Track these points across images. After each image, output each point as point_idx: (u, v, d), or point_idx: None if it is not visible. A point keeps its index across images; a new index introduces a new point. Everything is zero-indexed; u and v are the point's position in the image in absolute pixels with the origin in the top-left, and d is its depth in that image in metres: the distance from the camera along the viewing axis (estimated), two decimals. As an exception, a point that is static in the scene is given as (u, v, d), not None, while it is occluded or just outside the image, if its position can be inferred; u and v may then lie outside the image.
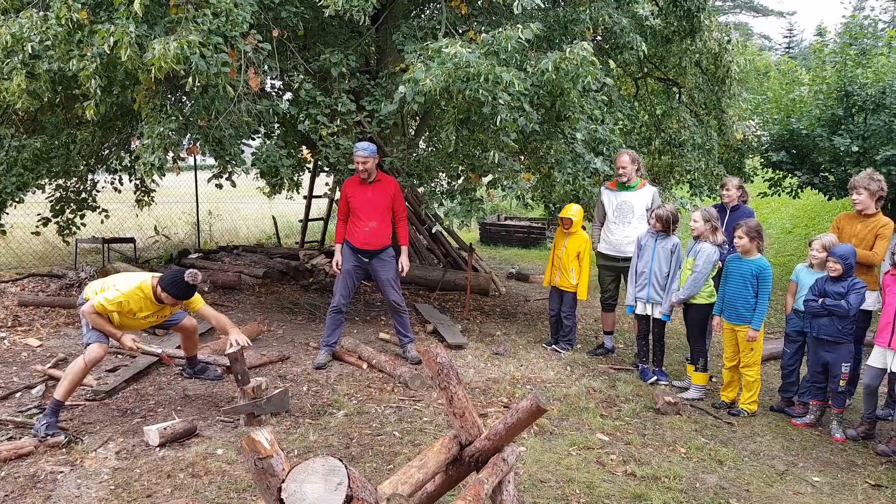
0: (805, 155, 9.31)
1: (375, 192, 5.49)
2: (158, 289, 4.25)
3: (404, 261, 5.61)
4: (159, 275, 4.34)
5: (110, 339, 4.29)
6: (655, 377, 5.52)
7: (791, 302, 5.03)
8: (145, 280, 4.30)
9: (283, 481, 1.80)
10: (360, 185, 5.52)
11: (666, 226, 5.37)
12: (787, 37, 50.59)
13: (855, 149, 8.20)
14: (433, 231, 7.62)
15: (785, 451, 4.35)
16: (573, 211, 6.08)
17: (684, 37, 8.09)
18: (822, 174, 9.18)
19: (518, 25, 5.49)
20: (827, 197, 9.37)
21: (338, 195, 10.35)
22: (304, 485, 1.79)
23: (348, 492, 1.76)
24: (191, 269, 4.26)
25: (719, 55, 8.44)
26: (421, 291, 8.61)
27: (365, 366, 5.54)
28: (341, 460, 1.83)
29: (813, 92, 9.35)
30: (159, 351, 4.79)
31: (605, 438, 4.32)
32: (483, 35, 5.60)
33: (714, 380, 5.57)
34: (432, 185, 7.18)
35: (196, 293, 4.43)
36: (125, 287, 4.22)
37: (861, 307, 4.62)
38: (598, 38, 7.85)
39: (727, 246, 5.20)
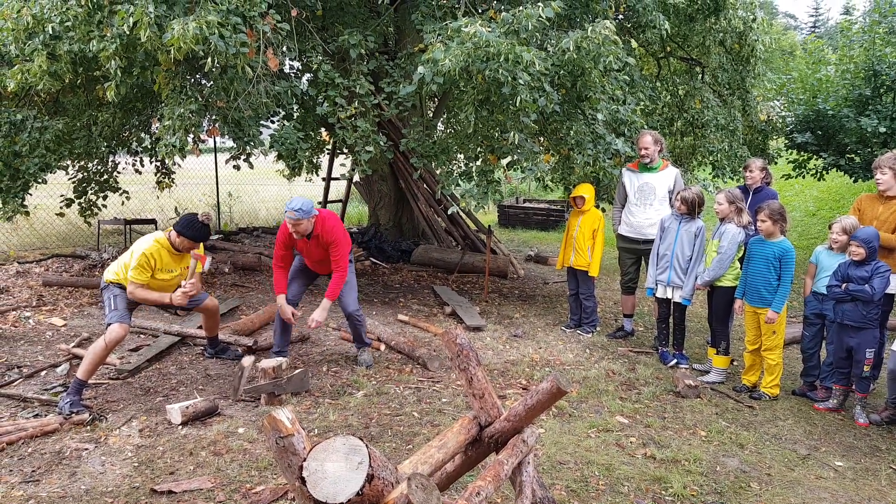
0: (831, 136, 9.11)
1: (315, 245, 4.84)
2: (173, 234, 4.40)
3: (317, 315, 4.76)
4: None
5: (132, 317, 4.36)
6: (675, 360, 5.48)
7: (810, 284, 4.95)
8: (157, 235, 4.47)
9: (305, 460, 1.81)
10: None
11: (691, 208, 5.29)
12: (812, 15, 49.56)
13: (882, 129, 8.01)
14: (450, 212, 7.59)
15: (807, 435, 4.30)
16: (585, 189, 6.08)
17: (708, 15, 7.92)
18: (847, 156, 8.99)
19: (538, 3, 5.41)
20: (853, 179, 9.18)
21: (356, 177, 10.41)
22: (325, 463, 1.79)
23: (369, 471, 1.76)
24: (203, 212, 4.43)
25: (744, 34, 8.26)
26: (439, 274, 8.61)
27: (383, 347, 5.56)
28: (362, 439, 1.83)
29: (840, 71, 9.14)
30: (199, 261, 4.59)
31: (624, 421, 4.31)
32: (503, 14, 5.52)
33: (735, 363, 5.52)
34: (450, 166, 7.14)
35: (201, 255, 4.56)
36: (143, 247, 4.36)
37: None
38: (620, 16, 7.72)
39: (752, 227, 5.12)
